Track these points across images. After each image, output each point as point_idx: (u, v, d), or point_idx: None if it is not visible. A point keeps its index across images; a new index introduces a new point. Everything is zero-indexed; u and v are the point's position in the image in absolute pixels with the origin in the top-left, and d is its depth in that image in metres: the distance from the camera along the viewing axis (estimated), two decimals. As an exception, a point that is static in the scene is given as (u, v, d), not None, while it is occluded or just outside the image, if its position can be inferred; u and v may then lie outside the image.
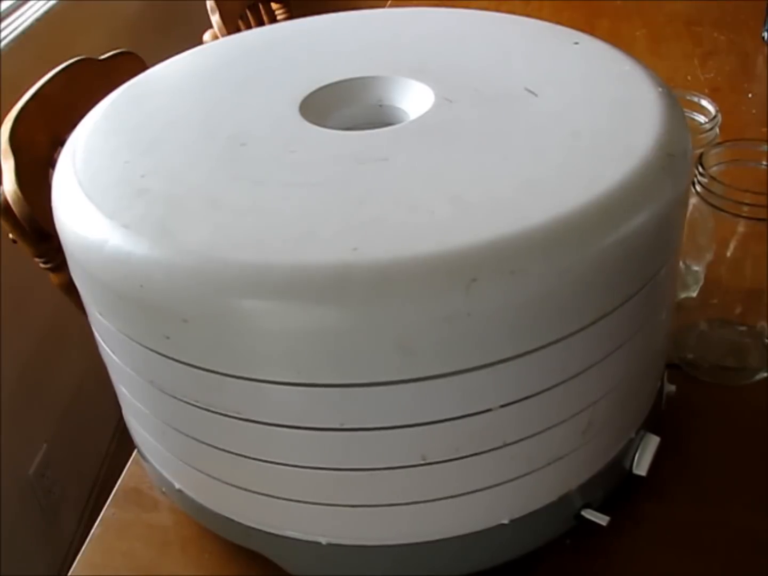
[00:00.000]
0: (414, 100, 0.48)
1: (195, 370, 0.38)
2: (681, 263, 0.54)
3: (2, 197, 0.77)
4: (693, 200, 0.54)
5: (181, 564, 0.50)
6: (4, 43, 1.20)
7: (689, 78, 1.01)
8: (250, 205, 0.39)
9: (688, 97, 0.65)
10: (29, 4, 1.32)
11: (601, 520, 0.46)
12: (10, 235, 0.80)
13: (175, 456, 0.45)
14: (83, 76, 0.88)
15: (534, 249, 0.35)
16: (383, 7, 0.72)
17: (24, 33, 1.25)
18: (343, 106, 0.49)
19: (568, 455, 0.42)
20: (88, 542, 0.52)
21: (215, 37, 1.14)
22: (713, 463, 0.54)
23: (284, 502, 0.41)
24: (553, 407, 0.39)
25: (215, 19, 1.17)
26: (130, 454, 0.56)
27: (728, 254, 0.57)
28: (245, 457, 0.40)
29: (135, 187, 0.41)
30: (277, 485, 0.41)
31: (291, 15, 1.41)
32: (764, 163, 0.56)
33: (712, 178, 0.53)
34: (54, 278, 0.82)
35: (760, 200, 0.51)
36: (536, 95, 0.46)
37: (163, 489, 0.50)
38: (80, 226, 0.40)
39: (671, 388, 0.54)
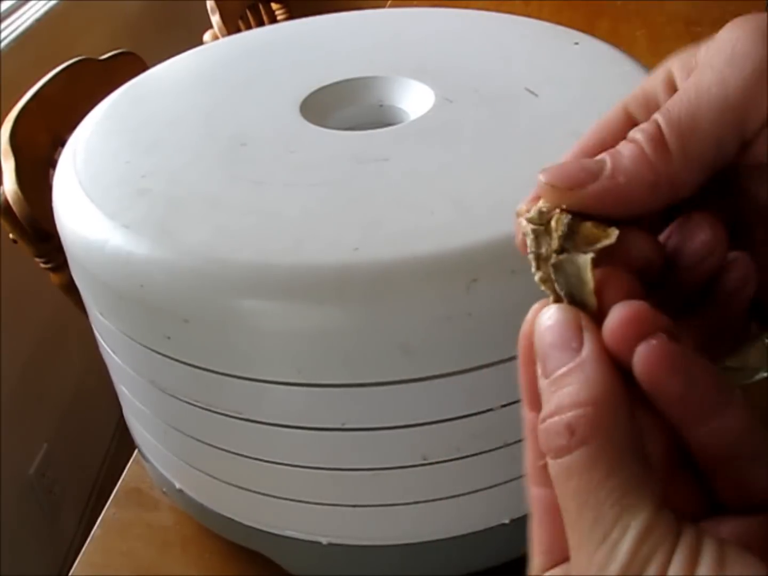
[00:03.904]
0: (414, 100, 0.48)
1: (196, 370, 0.38)
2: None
3: (2, 197, 0.77)
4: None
5: (181, 564, 0.50)
6: (4, 43, 1.20)
7: (689, 78, 1.00)
8: (251, 205, 0.39)
9: (688, 97, 0.65)
10: (29, 4, 1.32)
11: (602, 519, 0.46)
12: (11, 235, 0.80)
13: (176, 456, 0.45)
14: (83, 77, 0.88)
15: (534, 249, 0.35)
16: (383, 7, 0.72)
17: (24, 33, 1.25)
18: (343, 106, 0.49)
19: (568, 455, 0.42)
20: (89, 542, 0.52)
21: (215, 38, 1.14)
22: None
23: (285, 502, 0.41)
24: (553, 407, 0.39)
25: (215, 19, 1.17)
26: (131, 454, 0.56)
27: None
28: (246, 457, 0.40)
29: (136, 187, 0.41)
30: (278, 485, 0.41)
31: (291, 15, 1.41)
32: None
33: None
34: (54, 278, 0.82)
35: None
36: (536, 95, 0.46)
37: (164, 489, 0.50)
38: (81, 226, 0.40)
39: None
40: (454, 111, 0.46)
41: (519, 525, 0.43)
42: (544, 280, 0.21)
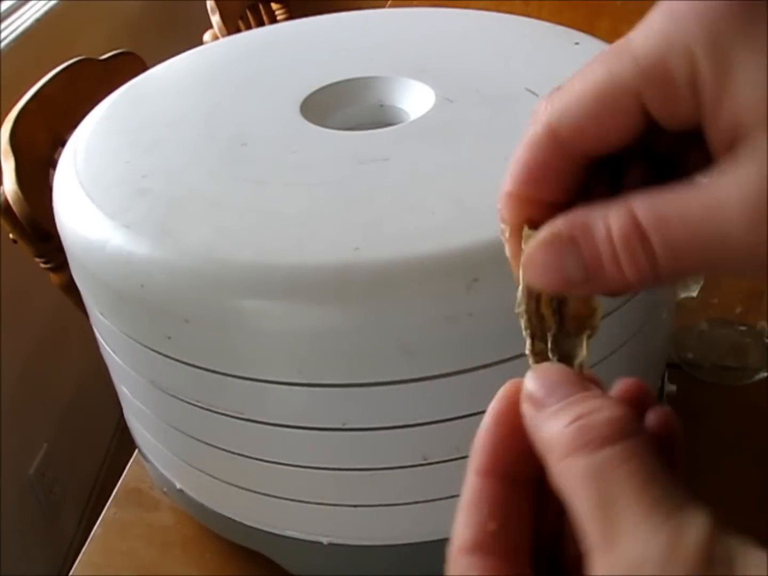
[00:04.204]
0: (415, 100, 0.48)
1: (196, 370, 0.38)
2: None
3: (2, 197, 0.77)
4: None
5: (182, 564, 0.50)
6: (4, 43, 1.20)
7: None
8: (251, 205, 0.39)
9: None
10: (29, 4, 1.32)
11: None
12: (11, 235, 0.80)
13: (177, 456, 0.45)
14: (84, 76, 0.88)
15: (535, 249, 0.35)
16: (383, 7, 0.72)
17: (24, 33, 1.25)
18: (344, 106, 0.49)
19: (568, 455, 0.42)
20: (89, 542, 0.52)
21: (215, 38, 1.14)
22: (713, 463, 0.54)
23: (285, 501, 0.41)
24: (553, 407, 0.39)
25: (215, 19, 1.17)
26: (131, 454, 0.56)
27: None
28: (246, 456, 0.40)
29: (136, 187, 0.41)
30: (279, 485, 0.41)
31: (291, 15, 1.41)
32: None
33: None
34: (54, 278, 0.82)
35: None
36: (537, 95, 0.46)
37: (165, 489, 0.50)
38: (81, 226, 0.40)
39: (671, 388, 0.54)
40: (455, 111, 0.46)
41: (519, 525, 0.43)
42: (536, 354, 0.22)
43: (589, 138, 0.19)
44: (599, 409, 0.18)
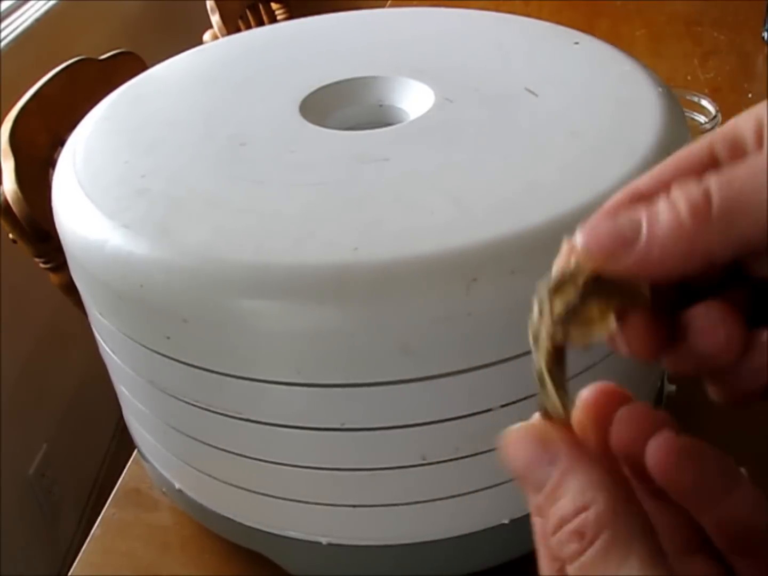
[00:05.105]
0: (414, 100, 0.48)
1: (195, 370, 0.38)
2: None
3: (2, 197, 0.77)
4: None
5: (181, 564, 0.50)
6: (4, 43, 1.20)
7: (689, 78, 1.01)
8: (250, 205, 0.39)
9: (688, 97, 0.65)
10: (29, 4, 1.32)
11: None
12: (10, 235, 0.80)
13: (176, 456, 0.45)
14: (83, 76, 0.88)
15: (534, 249, 0.35)
16: (383, 7, 0.72)
17: (24, 33, 1.25)
18: (343, 106, 0.49)
19: (568, 455, 0.42)
20: (89, 542, 0.51)
21: (215, 37, 1.14)
22: (713, 463, 0.53)
23: (285, 502, 0.41)
24: (553, 407, 0.39)
25: (215, 19, 1.17)
26: (130, 454, 0.56)
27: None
28: (245, 457, 0.40)
29: (135, 187, 0.41)
30: (278, 485, 0.41)
31: (291, 15, 1.41)
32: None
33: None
34: (54, 278, 0.82)
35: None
36: (536, 95, 0.46)
37: (164, 489, 0.50)
38: (80, 226, 0.40)
39: (671, 388, 0.54)
40: (454, 111, 0.45)
41: (518, 525, 0.43)
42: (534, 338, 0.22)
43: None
44: (566, 516, 0.19)
